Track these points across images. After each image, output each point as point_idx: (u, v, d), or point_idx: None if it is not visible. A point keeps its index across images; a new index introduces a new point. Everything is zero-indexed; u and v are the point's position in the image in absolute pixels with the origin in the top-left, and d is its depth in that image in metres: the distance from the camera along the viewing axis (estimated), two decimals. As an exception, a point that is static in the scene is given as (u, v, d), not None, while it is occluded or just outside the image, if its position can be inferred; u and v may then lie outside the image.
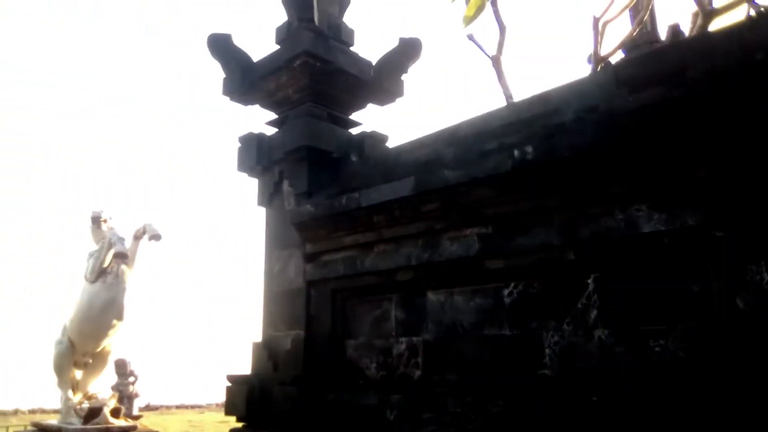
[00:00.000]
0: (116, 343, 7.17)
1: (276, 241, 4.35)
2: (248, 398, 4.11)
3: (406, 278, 3.52)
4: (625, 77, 2.86)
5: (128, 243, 6.99)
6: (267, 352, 4.20)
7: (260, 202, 4.56)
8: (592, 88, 3.02)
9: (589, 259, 2.79)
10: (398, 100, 4.71)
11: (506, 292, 3.09)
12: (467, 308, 3.26)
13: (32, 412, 29.43)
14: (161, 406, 33.26)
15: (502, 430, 2.92)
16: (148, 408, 28.66)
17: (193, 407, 33.64)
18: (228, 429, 4.26)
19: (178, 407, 33.37)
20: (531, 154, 2.84)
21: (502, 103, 5.29)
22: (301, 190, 4.17)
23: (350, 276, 3.82)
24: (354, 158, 4.29)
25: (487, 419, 2.97)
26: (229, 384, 4.31)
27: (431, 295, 3.43)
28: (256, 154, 4.45)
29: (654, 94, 2.56)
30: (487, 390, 3.02)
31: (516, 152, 2.88)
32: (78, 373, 7.04)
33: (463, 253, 3.21)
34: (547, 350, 2.88)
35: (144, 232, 6.91)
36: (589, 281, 2.79)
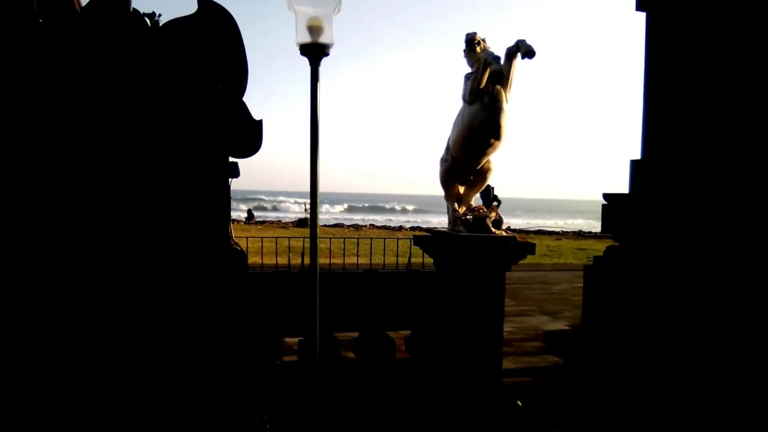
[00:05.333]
0: (495, 161, 7.49)
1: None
2: (627, 216, 3.92)
3: None
4: None
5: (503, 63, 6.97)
6: (649, 169, 3.88)
7: (639, 7, 4.02)
8: None
9: None
10: None
11: None
12: None
13: (413, 229, 34.33)
14: (521, 231, 35.43)
15: None
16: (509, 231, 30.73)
17: (550, 234, 35.03)
18: (584, 256, 4.18)
19: (536, 233, 35.15)
20: None
21: None
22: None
23: None
24: None
25: None
26: (606, 203, 4.16)
27: None
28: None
29: None
30: None
31: None
32: (461, 189, 7.61)
33: None
34: None
35: (517, 50, 6.75)
36: None
